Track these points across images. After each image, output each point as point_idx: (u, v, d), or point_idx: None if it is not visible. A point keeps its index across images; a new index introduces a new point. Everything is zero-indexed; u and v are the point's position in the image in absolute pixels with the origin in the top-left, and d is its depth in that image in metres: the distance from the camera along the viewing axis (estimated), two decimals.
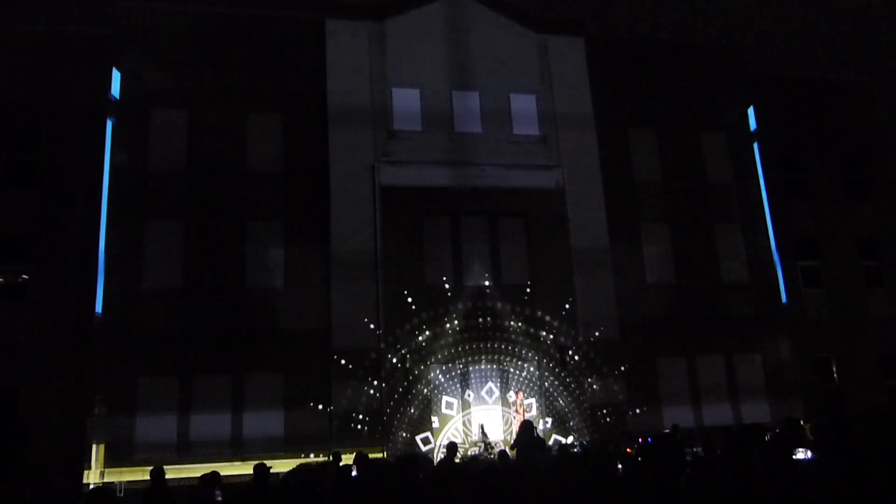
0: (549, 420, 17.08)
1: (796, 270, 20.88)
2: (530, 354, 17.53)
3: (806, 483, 6.15)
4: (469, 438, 16.52)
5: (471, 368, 17.32)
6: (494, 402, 17.27)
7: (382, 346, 16.67)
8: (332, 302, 16.80)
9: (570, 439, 15.78)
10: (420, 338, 16.84)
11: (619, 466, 9.62)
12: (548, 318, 17.71)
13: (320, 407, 16.21)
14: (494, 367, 17.44)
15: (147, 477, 9.79)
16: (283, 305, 16.85)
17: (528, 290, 17.95)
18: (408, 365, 16.62)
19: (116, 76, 17.25)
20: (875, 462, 6.20)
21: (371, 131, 18.00)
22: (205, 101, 17.55)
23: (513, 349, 17.47)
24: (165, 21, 17.76)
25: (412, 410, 16.49)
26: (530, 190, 18.48)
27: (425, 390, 16.77)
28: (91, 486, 14.18)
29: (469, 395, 17.14)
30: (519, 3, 20.08)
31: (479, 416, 16.87)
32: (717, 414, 18.47)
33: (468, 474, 8.91)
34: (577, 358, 17.55)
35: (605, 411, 17.37)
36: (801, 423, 13.96)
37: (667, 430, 15.57)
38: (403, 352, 16.60)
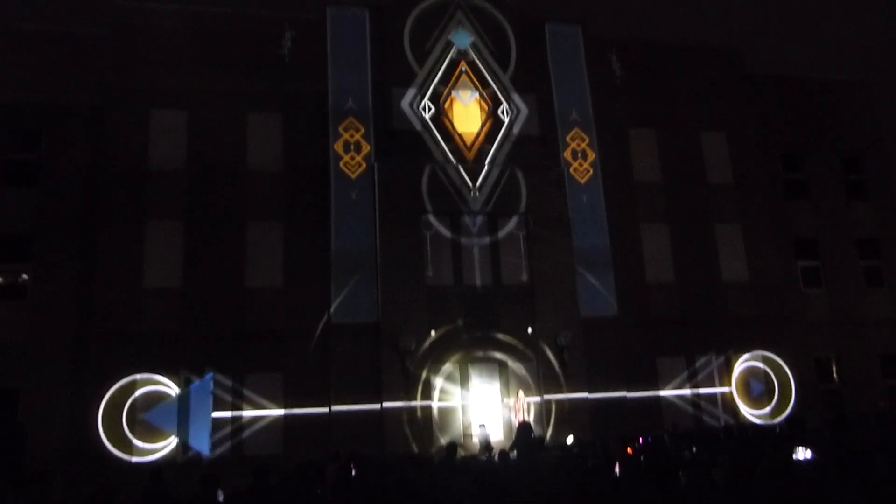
0: (550, 420, 17.06)
1: (796, 270, 20.89)
2: (530, 354, 17.52)
3: (806, 483, 6.15)
4: (470, 438, 16.52)
5: (471, 368, 17.32)
6: (494, 402, 17.27)
7: (382, 346, 16.66)
8: (332, 302, 16.80)
9: (570, 439, 15.74)
10: (420, 338, 16.81)
11: (619, 466, 9.61)
12: (548, 317, 17.70)
13: (320, 407, 16.20)
14: (495, 366, 17.44)
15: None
16: (283, 305, 16.85)
17: (528, 290, 17.94)
18: (408, 364, 16.61)
19: (117, 76, 17.21)
20: (875, 462, 6.20)
21: (371, 131, 18.01)
22: (205, 101, 17.53)
23: (513, 349, 17.46)
24: (165, 21, 17.74)
25: (412, 410, 16.47)
26: (530, 190, 18.48)
27: (426, 390, 16.75)
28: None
29: (469, 395, 17.14)
30: (520, 3, 20.08)
31: (480, 416, 16.86)
32: (717, 414, 18.47)
33: (467, 474, 8.90)
34: (576, 358, 17.54)
35: (604, 411, 17.35)
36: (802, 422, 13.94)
37: (666, 430, 15.56)
38: (403, 352, 16.58)
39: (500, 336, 17.45)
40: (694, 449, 11.96)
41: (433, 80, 18.71)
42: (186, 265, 16.64)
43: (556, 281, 18.05)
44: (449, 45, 19.02)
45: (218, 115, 17.53)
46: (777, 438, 12.36)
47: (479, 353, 17.32)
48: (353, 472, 10.24)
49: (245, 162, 17.62)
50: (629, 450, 11.53)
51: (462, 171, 18.19)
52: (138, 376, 15.59)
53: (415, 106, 18.46)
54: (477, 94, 18.87)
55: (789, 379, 19.11)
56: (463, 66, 18.96)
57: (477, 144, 18.59)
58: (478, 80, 18.99)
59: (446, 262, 17.75)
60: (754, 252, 20.16)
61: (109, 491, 7.70)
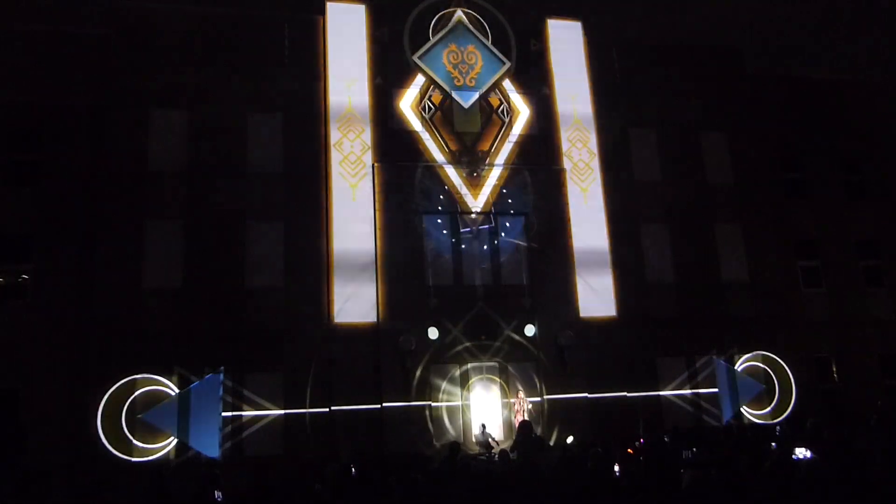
0: (550, 420, 17.06)
1: (796, 270, 20.89)
2: (530, 354, 17.52)
3: (806, 483, 6.15)
4: (470, 438, 16.53)
5: (471, 368, 17.32)
6: (495, 403, 17.27)
7: (382, 346, 16.67)
8: (333, 302, 16.80)
9: (571, 439, 15.76)
10: (420, 338, 16.81)
11: (619, 466, 9.62)
12: (548, 318, 17.71)
13: (320, 407, 16.21)
14: (495, 366, 17.45)
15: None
16: (283, 305, 16.85)
17: (528, 289, 17.95)
18: (408, 365, 16.61)
19: (116, 76, 17.21)
20: (875, 462, 6.21)
21: (371, 131, 18.01)
22: (205, 101, 17.54)
23: (513, 349, 17.47)
24: (165, 21, 17.75)
25: (412, 410, 16.47)
26: (530, 190, 18.49)
27: (426, 390, 16.76)
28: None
29: (469, 395, 17.15)
30: (519, 3, 20.07)
31: (480, 416, 16.87)
32: (718, 414, 18.45)
33: (468, 474, 8.91)
34: (576, 358, 17.54)
35: (604, 411, 17.36)
36: (802, 422, 13.95)
37: (666, 430, 15.55)
38: (403, 352, 16.58)
39: (500, 336, 17.45)
40: (694, 449, 11.97)
41: (433, 79, 18.70)
42: (186, 265, 16.63)
43: (555, 281, 18.06)
44: (449, 44, 19.01)
45: (218, 115, 17.54)
46: (777, 438, 12.37)
47: (479, 353, 17.32)
48: (353, 472, 10.25)
49: (245, 162, 17.61)
50: (629, 450, 11.53)
51: (462, 171, 18.20)
52: (138, 376, 15.59)
53: (415, 106, 18.47)
54: (476, 94, 18.87)
55: (789, 379, 19.12)
56: (463, 65, 18.95)
57: (477, 144, 18.59)
58: (478, 80, 18.96)
59: (446, 262, 17.77)
60: (754, 252, 20.16)
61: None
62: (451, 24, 19.13)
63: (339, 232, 17.24)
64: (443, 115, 18.58)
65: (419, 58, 18.72)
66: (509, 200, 18.34)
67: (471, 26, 19.30)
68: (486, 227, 18.18)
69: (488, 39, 19.36)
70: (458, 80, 18.85)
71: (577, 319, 17.92)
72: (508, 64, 19.22)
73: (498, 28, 19.55)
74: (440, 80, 18.69)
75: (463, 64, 19.07)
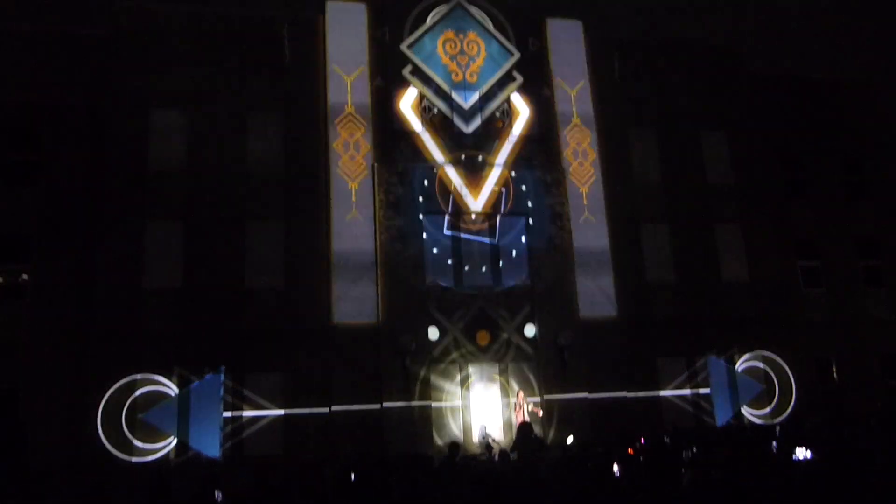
0: (549, 420, 17.05)
1: (796, 270, 20.89)
2: (530, 354, 17.52)
3: (806, 483, 6.15)
4: (470, 438, 16.53)
5: (471, 368, 17.32)
6: (495, 403, 17.27)
7: (382, 346, 16.67)
8: (333, 302, 16.80)
9: (571, 439, 15.75)
10: (420, 338, 16.81)
11: (619, 466, 9.62)
12: (548, 318, 17.71)
13: (320, 407, 16.21)
14: (495, 366, 17.45)
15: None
16: (283, 305, 16.85)
17: (528, 290, 17.95)
18: (408, 364, 16.61)
19: (117, 76, 17.21)
20: (875, 462, 6.22)
21: (371, 131, 18.01)
22: (205, 101, 17.54)
23: (513, 349, 17.47)
24: (165, 21, 17.74)
25: (412, 410, 16.47)
26: (530, 190, 18.49)
27: (426, 390, 16.76)
28: None
29: (469, 395, 17.14)
30: (520, 4, 20.06)
31: (480, 416, 16.87)
32: (717, 414, 18.44)
33: (468, 474, 8.91)
34: (576, 358, 17.54)
35: (604, 411, 17.35)
36: (802, 422, 13.95)
37: (666, 430, 15.55)
38: (403, 352, 16.58)
39: (500, 336, 17.46)
40: (694, 449, 11.96)
41: (433, 79, 18.68)
42: (186, 265, 16.64)
43: (556, 281, 18.06)
44: (449, 44, 19.00)
45: (218, 115, 17.54)
46: (777, 438, 12.38)
47: (480, 353, 17.32)
48: (353, 474, 10.25)
49: (245, 162, 17.62)
50: (629, 450, 11.53)
51: (462, 170, 18.19)
52: (138, 376, 15.59)
53: (415, 106, 18.46)
54: (476, 94, 18.85)
55: (789, 379, 19.12)
56: (463, 65, 18.94)
57: (477, 145, 18.56)
58: (478, 79, 18.93)
59: (446, 262, 17.76)
60: (754, 252, 20.16)
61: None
62: (448, 7, 19.03)
63: (339, 232, 17.24)
64: (443, 115, 18.56)
65: (409, 47, 18.65)
66: (509, 201, 18.33)
67: (472, 11, 19.25)
68: (486, 227, 18.18)
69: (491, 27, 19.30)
70: (457, 76, 18.81)
71: (577, 319, 17.92)
72: (517, 55, 19.17)
73: (498, 27, 19.53)
74: (437, 76, 18.65)
75: (462, 55, 19.01)
